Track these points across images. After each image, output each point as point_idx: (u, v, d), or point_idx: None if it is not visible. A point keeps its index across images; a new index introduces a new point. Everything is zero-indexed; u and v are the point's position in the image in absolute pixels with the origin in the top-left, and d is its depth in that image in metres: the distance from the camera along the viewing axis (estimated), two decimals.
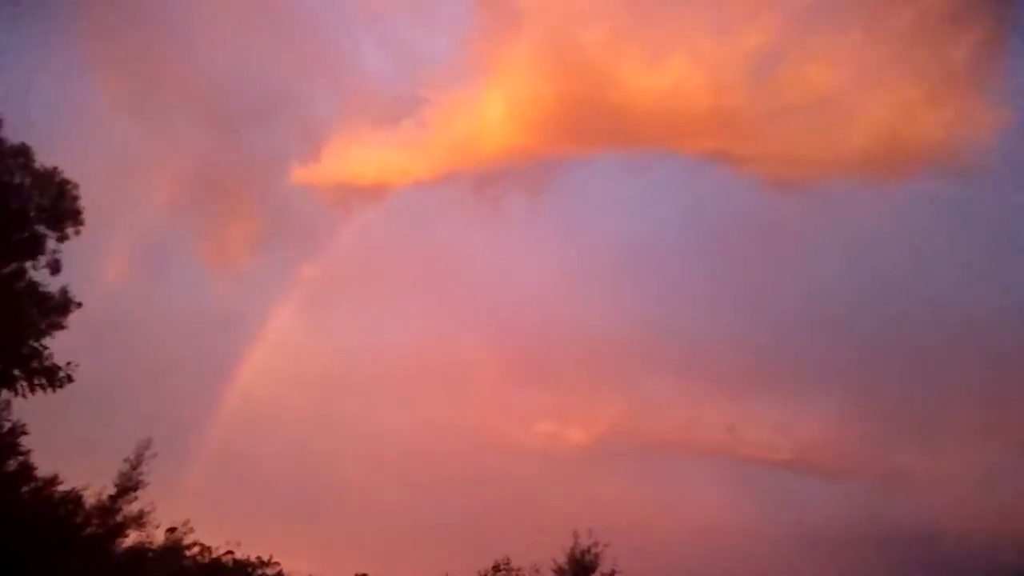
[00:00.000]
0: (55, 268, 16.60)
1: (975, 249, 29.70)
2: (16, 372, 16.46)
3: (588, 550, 18.77)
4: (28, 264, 16.48)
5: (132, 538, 18.64)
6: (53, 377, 16.50)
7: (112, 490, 18.62)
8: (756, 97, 30.47)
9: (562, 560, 18.80)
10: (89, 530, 18.13)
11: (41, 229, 16.45)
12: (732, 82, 30.84)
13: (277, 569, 21.79)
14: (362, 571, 22.82)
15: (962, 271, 29.44)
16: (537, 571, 19.37)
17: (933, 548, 23.97)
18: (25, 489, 17.28)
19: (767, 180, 31.74)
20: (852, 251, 31.31)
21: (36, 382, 16.50)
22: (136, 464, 18.79)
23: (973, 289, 29.07)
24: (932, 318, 28.87)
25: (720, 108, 31.04)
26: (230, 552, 20.93)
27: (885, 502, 28.47)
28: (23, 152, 16.36)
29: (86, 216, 16.34)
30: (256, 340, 30.25)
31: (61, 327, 16.70)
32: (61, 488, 17.68)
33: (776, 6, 29.79)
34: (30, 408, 16.58)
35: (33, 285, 16.49)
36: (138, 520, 18.65)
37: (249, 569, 21.44)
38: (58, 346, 16.31)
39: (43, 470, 17.26)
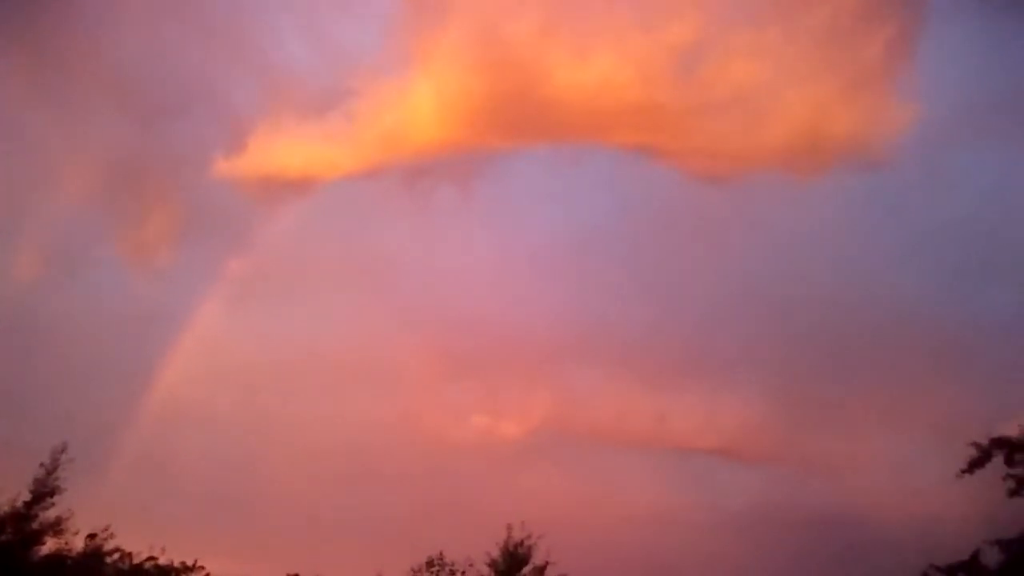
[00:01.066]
0: None
1: (888, 240, 30.98)
2: None
3: (521, 543, 18.93)
4: None
5: (49, 545, 18.08)
6: None
7: (27, 496, 18.02)
8: (681, 92, 31.07)
9: (496, 553, 18.92)
10: (3, 538, 17.48)
11: None
12: (658, 77, 31.36)
13: (203, 573, 21.28)
14: (293, 571, 22.47)
15: (876, 261, 30.69)
16: (471, 565, 19.44)
17: (851, 531, 25.00)
18: None
19: (692, 173, 32.44)
20: (773, 243, 32.27)
21: None
22: (52, 469, 18.18)
23: (887, 278, 30.33)
24: (849, 307, 30.01)
25: (647, 103, 31.54)
26: (153, 558, 20.33)
27: (806, 487, 29.59)
28: None
29: None
30: (179, 338, 29.44)
31: None
32: None
33: (700, 4, 30.38)
34: None
35: None
36: (55, 527, 18.07)
37: (173, 574, 20.88)
38: None
39: None
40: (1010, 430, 16.41)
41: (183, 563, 21.01)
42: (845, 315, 29.92)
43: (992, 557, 16.47)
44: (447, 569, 19.72)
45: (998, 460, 16.51)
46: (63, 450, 18.11)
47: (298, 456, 31.02)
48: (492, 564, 18.93)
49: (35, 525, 17.73)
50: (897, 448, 28.19)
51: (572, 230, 35.02)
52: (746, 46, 29.99)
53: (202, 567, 21.25)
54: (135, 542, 20.06)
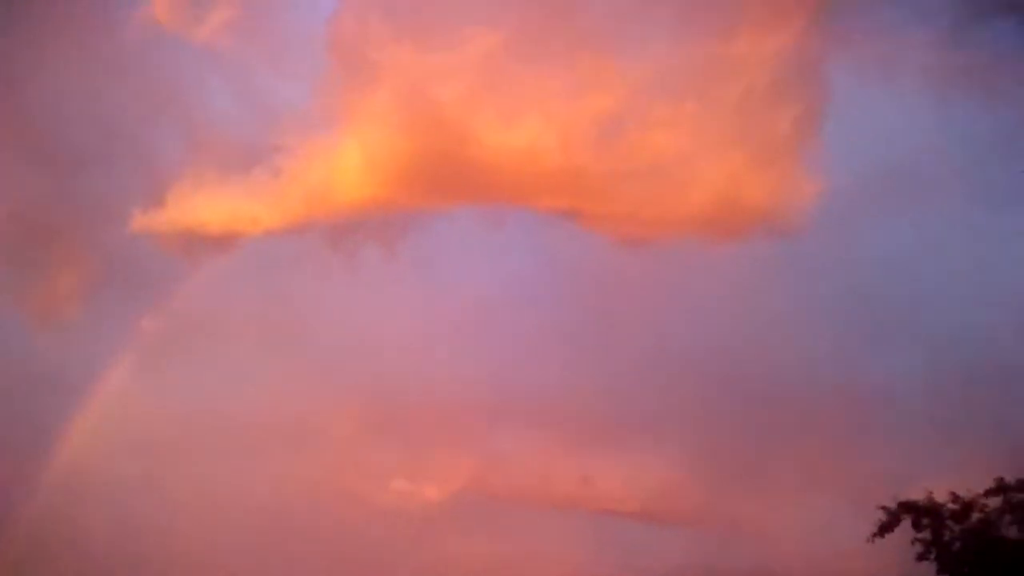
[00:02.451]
0: None
1: (800, 304, 32.10)
2: None
3: None
4: None
5: None
6: None
7: None
8: (604, 159, 31.86)
9: None
10: None
11: None
12: (582, 143, 32.14)
13: None
14: None
15: (789, 325, 31.70)
16: None
17: None
18: None
19: (615, 237, 33.12)
20: (692, 306, 33.04)
21: None
22: None
23: (799, 342, 31.36)
24: (765, 370, 30.81)
25: (571, 167, 32.22)
26: None
27: (727, 550, 29.86)
28: None
29: None
30: (85, 400, 28.10)
31: None
32: None
33: (622, 74, 31.40)
34: None
35: None
36: None
37: None
38: None
39: None
40: (917, 493, 16.85)
41: None
42: (761, 378, 30.75)
43: None
44: None
45: (907, 524, 16.90)
46: None
47: (210, 521, 29.89)
48: None
49: None
50: (815, 510, 28.79)
51: (498, 291, 35.17)
52: (666, 117, 31.12)
53: None
54: None
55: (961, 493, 16.64)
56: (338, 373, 33.62)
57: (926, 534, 16.44)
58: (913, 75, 30.86)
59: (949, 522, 16.31)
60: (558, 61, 31.86)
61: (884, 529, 16.63)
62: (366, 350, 34.01)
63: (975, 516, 16.18)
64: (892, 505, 16.73)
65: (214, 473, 30.92)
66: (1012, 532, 15.92)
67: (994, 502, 16.19)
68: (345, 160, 32.49)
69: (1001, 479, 16.01)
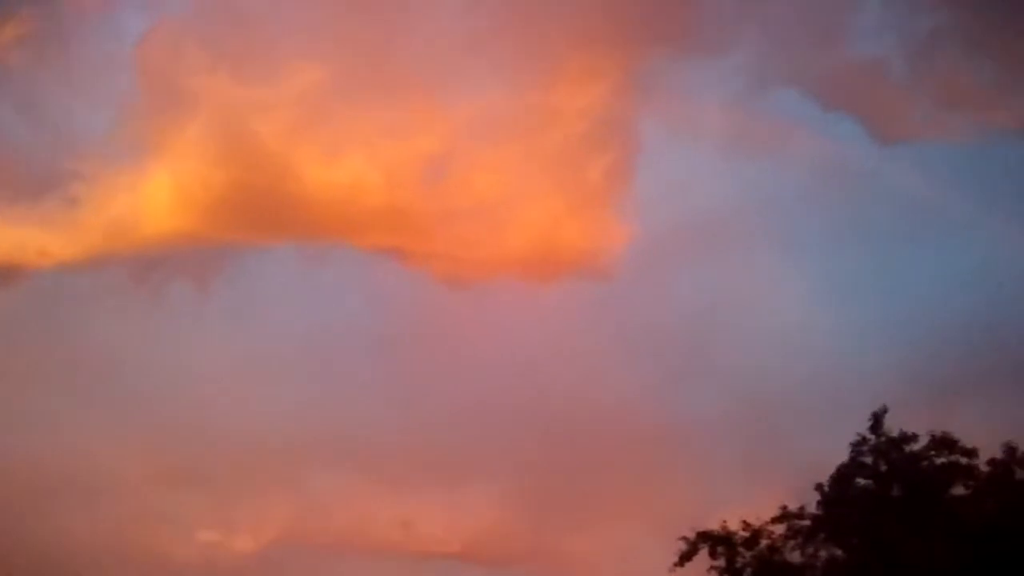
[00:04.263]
0: None
1: (613, 344, 33.65)
2: None
3: None
4: None
5: None
6: None
7: None
8: (429, 198, 32.16)
9: None
10: None
11: None
12: (407, 182, 32.30)
13: None
14: None
15: (604, 364, 33.10)
16: None
17: None
18: None
19: (438, 277, 33.31)
20: (513, 346, 33.74)
21: None
22: None
23: (612, 381, 32.75)
24: (580, 408, 31.87)
25: (395, 206, 32.25)
26: None
27: None
28: None
29: None
30: None
31: None
32: None
33: (446, 117, 31.99)
34: None
35: None
36: None
37: None
38: None
39: None
40: (714, 523, 17.74)
41: None
42: (577, 416, 31.76)
43: None
44: None
45: (704, 553, 17.74)
46: None
47: None
48: None
49: None
50: (627, 542, 29.81)
51: (317, 331, 34.26)
52: (488, 160, 31.96)
53: None
54: None
55: (752, 521, 17.65)
56: (141, 418, 31.40)
57: (721, 561, 17.29)
58: (712, 134, 33.69)
59: (741, 549, 17.23)
60: (383, 100, 32.02)
61: (684, 558, 17.34)
62: (173, 393, 31.94)
63: (763, 543, 17.20)
64: (691, 535, 17.49)
65: None
66: (795, 556, 17.08)
67: (780, 529, 17.29)
68: (152, 191, 30.81)
69: (785, 507, 17.15)
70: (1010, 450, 15.64)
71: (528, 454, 31.34)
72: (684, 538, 17.40)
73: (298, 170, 31.16)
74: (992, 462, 15.75)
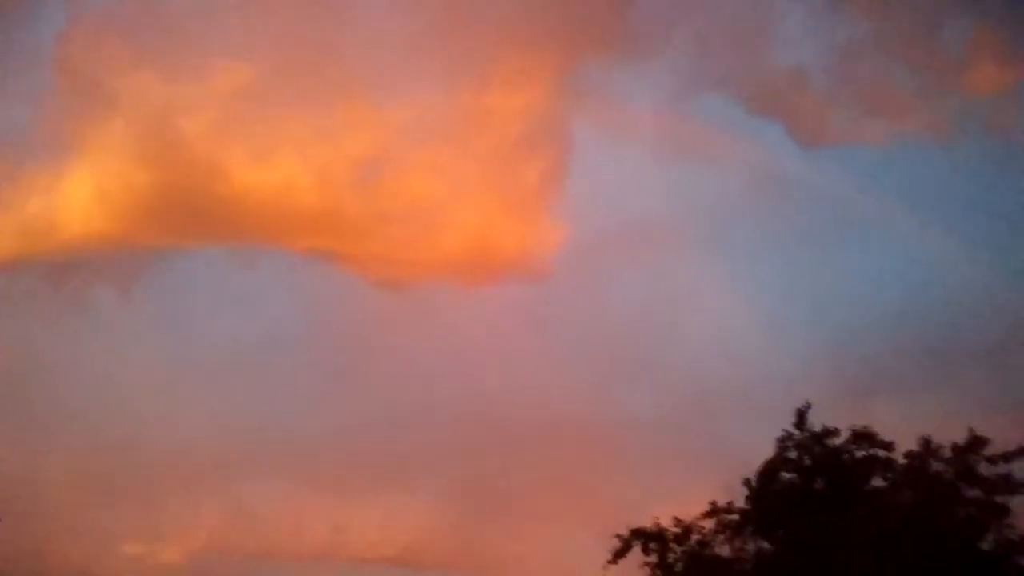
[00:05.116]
0: None
1: (549, 346, 33.87)
2: None
3: None
4: None
5: None
6: None
7: None
8: (362, 201, 31.88)
9: None
10: None
11: None
12: (340, 185, 31.96)
13: None
14: None
15: (540, 366, 33.25)
16: None
17: None
18: None
19: (372, 279, 33.03)
20: (448, 348, 33.66)
21: None
22: None
23: (548, 382, 32.92)
24: (517, 410, 31.93)
25: (328, 209, 31.88)
26: None
27: None
28: None
29: None
30: None
31: None
32: None
33: (379, 119, 31.76)
34: None
35: None
36: None
37: None
38: None
39: None
40: (649, 521, 17.96)
41: None
42: (514, 417, 31.81)
43: None
44: None
45: (638, 549, 17.93)
46: None
47: None
48: None
49: None
50: (564, 542, 29.95)
51: (247, 335, 33.53)
52: (422, 162, 31.84)
53: None
54: None
55: (684, 518, 17.92)
56: (59, 428, 30.22)
57: (653, 557, 17.51)
58: (644, 138, 34.26)
59: (673, 544, 17.49)
60: (315, 100, 31.61)
61: (617, 555, 17.52)
62: (94, 402, 30.90)
63: (694, 538, 17.49)
64: (625, 532, 17.67)
65: None
66: (725, 551, 17.40)
67: (710, 524, 17.60)
68: (72, 191, 29.77)
69: (714, 503, 17.47)
70: (925, 443, 16.16)
71: (465, 457, 31.28)
72: (618, 536, 17.56)
73: (226, 171, 30.53)
74: (909, 455, 16.24)
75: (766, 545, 17.05)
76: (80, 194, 29.63)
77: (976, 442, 15.87)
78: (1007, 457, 15.71)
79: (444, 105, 31.97)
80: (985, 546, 15.82)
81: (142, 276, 32.72)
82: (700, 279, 35.43)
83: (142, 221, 30.62)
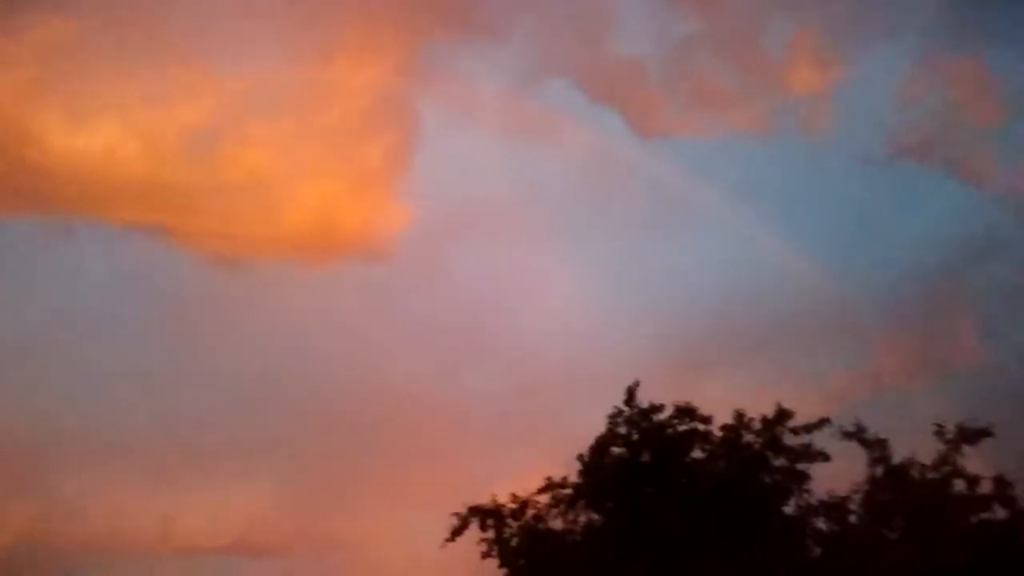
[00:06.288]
0: None
1: (392, 326, 33.64)
2: None
3: None
4: None
5: None
6: None
7: None
8: (194, 173, 30.31)
9: None
10: None
11: None
12: (169, 155, 30.23)
13: None
14: None
15: (383, 346, 32.98)
16: None
17: None
18: None
19: (205, 255, 31.51)
20: (288, 328, 32.71)
21: None
22: None
23: (391, 362, 32.74)
24: (358, 390, 31.54)
25: (156, 179, 30.12)
26: None
27: (320, 570, 29.72)
28: None
29: None
30: None
31: None
32: None
33: (214, 86, 30.22)
34: None
35: None
36: None
37: None
38: None
39: None
40: (485, 498, 18.28)
41: None
42: (355, 398, 31.40)
43: None
44: None
45: (476, 526, 18.22)
46: None
47: None
48: None
49: None
50: (403, 522, 29.98)
51: (63, 312, 31.09)
52: (261, 135, 30.60)
53: None
54: None
55: (520, 494, 18.35)
56: None
57: (490, 533, 17.88)
58: (489, 120, 34.56)
59: (509, 520, 17.93)
60: (143, 63, 29.67)
61: (455, 533, 17.79)
62: None
63: (530, 513, 18.00)
64: (463, 510, 17.90)
65: None
66: (558, 524, 18.02)
67: (545, 499, 18.15)
68: None
69: (549, 478, 18.03)
70: (739, 416, 17.42)
71: (303, 439, 30.58)
72: (456, 514, 17.79)
73: (39, 136, 28.14)
74: (724, 427, 17.43)
75: (596, 517, 17.81)
76: None
77: (782, 414, 17.28)
78: (808, 428, 17.21)
79: (285, 76, 30.90)
80: (788, 510, 17.32)
81: None
82: (541, 261, 36.36)
83: None
